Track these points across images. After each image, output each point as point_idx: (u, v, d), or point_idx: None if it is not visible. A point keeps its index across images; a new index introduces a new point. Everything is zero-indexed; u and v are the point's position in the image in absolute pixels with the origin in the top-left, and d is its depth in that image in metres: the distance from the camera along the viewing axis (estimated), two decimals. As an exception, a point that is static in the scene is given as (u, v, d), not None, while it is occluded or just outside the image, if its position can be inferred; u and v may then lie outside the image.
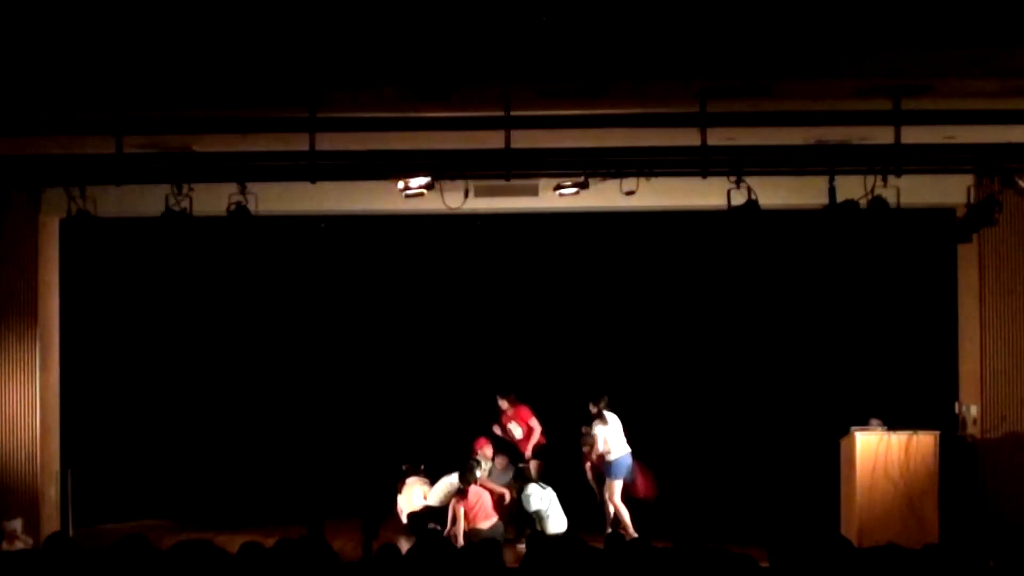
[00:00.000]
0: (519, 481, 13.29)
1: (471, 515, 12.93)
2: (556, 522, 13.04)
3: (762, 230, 10.80)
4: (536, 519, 13.00)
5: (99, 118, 9.79)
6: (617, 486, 13.31)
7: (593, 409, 13.47)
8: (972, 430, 12.84)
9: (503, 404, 14.15)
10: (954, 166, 11.24)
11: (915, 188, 10.79)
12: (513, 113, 9.57)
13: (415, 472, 13.96)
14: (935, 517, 11.96)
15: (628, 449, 13.47)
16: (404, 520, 13.69)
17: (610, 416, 13.52)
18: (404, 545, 13.03)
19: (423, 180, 11.08)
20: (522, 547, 12.27)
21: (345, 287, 15.31)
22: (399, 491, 13.89)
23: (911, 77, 8.95)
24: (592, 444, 13.42)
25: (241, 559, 7.07)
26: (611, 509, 13.33)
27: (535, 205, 12.66)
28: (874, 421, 12.38)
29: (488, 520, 12.99)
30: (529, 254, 15.04)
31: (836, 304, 14.76)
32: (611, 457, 13.36)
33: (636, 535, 12.58)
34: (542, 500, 13.02)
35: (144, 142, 10.32)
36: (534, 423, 13.95)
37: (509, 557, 9.12)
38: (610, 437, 13.37)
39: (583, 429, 13.55)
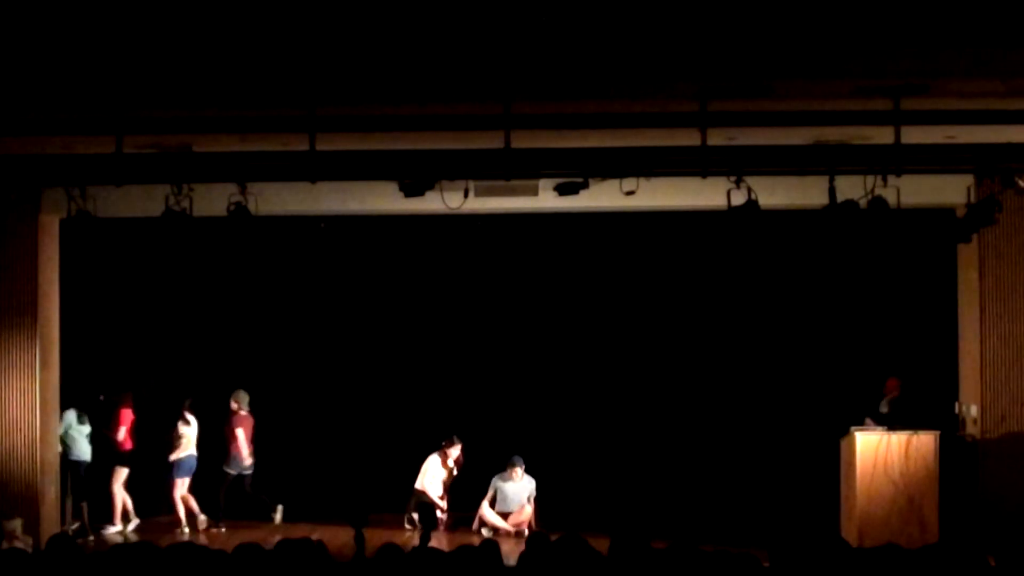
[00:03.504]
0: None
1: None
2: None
3: (762, 230, 10.81)
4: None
5: (99, 118, 9.80)
6: (180, 483, 14.02)
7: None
8: (972, 430, 12.82)
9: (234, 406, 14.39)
10: (954, 166, 11.23)
11: (915, 188, 10.79)
12: (513, 113, 9.57)
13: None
14: (935, 517, 11.95)
15: (194, 452, 14.14)
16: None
17: (191, 419, 14.15)
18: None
19: None
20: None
21: (345, 287, 15.31)
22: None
23: (911, 77, 8.95)
24: (178, 440, 14.06)
25: (238, 560, 7.07)
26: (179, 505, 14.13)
27: (535, 205, 12.66)
28: (868, 421, 12.38)
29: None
30: (529, 254, 15.04)
31: (836, 304, 14.77)
32: (178, 456, 14.04)
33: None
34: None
35: (144, 142, 10.32)
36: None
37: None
38: (191, 437, 14.06)
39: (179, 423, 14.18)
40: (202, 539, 13.57)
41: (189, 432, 14.14)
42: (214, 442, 14.45)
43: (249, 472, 14.33)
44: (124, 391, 14.20)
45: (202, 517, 14.10)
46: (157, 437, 14.23)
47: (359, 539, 8.40)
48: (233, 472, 14.26)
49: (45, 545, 7.95)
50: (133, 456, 14.10)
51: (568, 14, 8.56)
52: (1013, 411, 12.66)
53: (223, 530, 14.00)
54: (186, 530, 14.01)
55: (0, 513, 12.18)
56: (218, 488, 14.23)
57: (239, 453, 14.23)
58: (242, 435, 14.23)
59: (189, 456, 14.14)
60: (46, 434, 13.05)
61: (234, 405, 14.32)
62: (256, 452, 14.54)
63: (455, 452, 14.26)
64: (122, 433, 14.04)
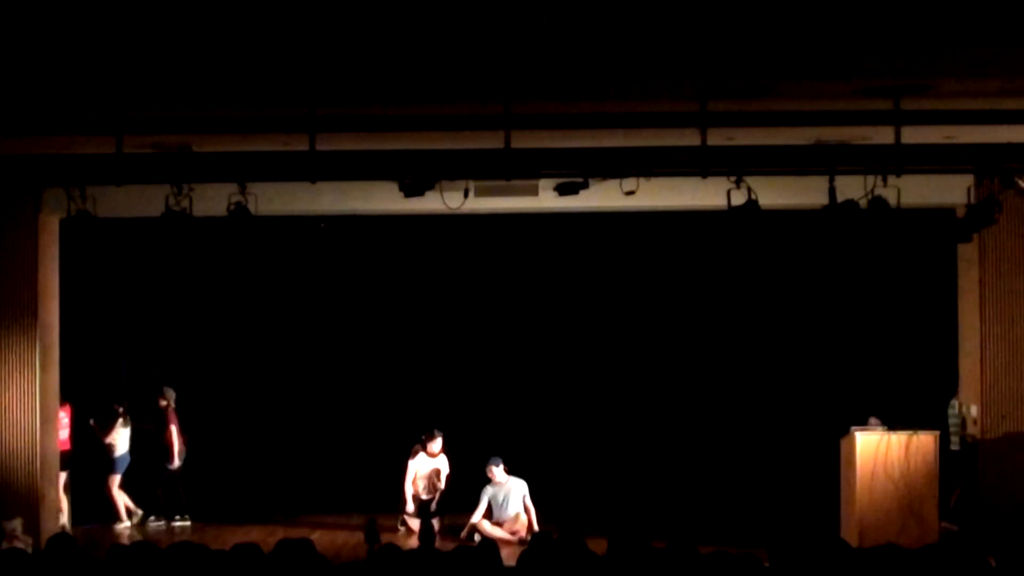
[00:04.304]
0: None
1: None
2: None
3: (762, 230, 10.81)
4: None
5: (99, 118, 9.80)
6: (116, 479, 14.36)
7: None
8: (972, 430, 12.83)
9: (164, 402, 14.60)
10: (954, 166, 11.23)
11: (915, 188, 10.80)
12: (513, 113, 9.57)
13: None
14: (935, 517, 11.95)
15: (127, 448, 14.48)
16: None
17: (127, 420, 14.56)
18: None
19: None
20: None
21: (345, 287, 15.33)
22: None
23: (911, 77, 8.95)
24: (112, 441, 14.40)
25: (237, 560, 7.08)
26: (117, 498, 14.44)
27: (535, 205, 12.67)
28: (873, 420, 12.39)
29: None
30: (529, 254, 15.05)
31: (836, 304, 14.79)
32: (116, 454, 14.37)
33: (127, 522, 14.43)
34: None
35: (144, 142, 10.32)
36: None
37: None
38: (122, 437, 14.40)
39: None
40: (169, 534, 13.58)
41: (123, 433, 14.37)
42: (213, 442, 14.50)
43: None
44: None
45: (138, 514, 14.45)
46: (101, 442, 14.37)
47: (371, 551, 8.41)
48: (177, 466, 14.46)
49: (45, 545, 7.95)
50: (67, 460, 13.85)
51: (568, 14, 8.55)
52: (1013, 411, 12.66)
53: (188, 522, 14.29)
54: (126, 523, 14.28)
55: (0, 513, 12.19)
56: (176, 486, 14.43)
57: (181, 447, 14.46)
58: (175, 430, 14.42)
59: (124, 454, 14.39)
60: (46, 434, 13.05)
61: (163, 403, 14.47)
62: (256, 451, 14.56)
63: (436, 446, 13.87)
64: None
